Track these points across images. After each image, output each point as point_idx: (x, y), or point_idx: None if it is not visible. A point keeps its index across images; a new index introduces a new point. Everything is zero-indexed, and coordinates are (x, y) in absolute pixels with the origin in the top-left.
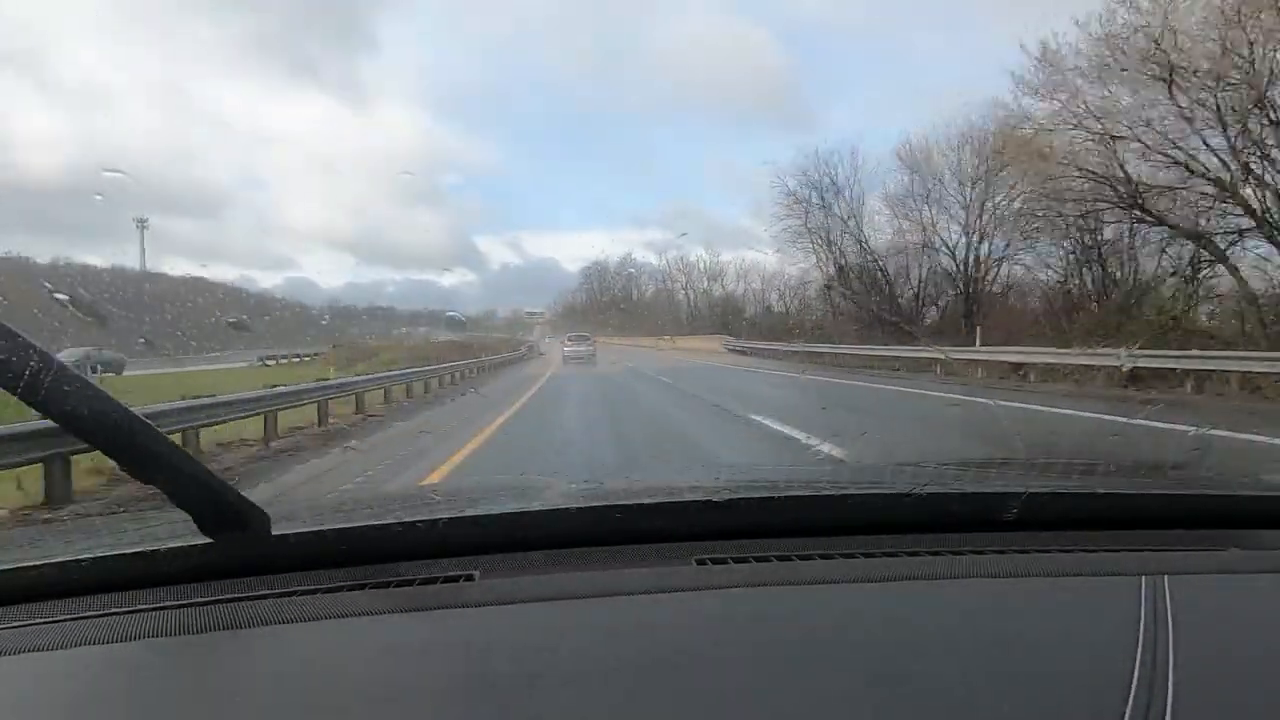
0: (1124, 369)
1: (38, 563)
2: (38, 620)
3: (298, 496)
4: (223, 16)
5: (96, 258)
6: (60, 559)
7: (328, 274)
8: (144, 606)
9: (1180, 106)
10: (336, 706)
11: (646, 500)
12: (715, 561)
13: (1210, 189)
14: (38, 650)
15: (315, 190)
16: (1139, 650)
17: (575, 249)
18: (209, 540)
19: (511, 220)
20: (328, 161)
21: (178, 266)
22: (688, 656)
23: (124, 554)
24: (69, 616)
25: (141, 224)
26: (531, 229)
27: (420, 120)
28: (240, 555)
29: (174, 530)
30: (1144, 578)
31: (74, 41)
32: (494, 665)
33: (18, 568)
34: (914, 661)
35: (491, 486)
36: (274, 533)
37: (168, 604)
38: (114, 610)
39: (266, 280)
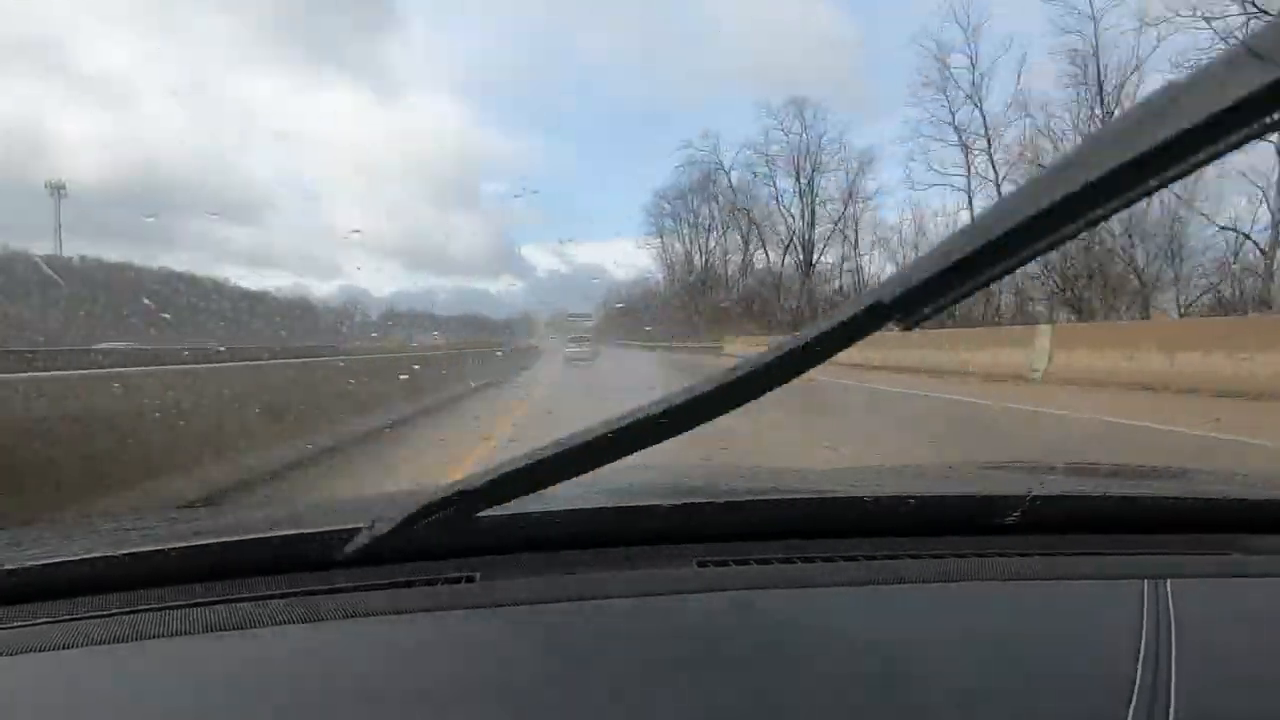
0: None
1: (41, 561)
2: (40, 620)
3: (295, 497)
4: (246, 4)
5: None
6: (63, 558)
7: (380, 282)
8: (146, 606)
9: None
10: (335, 708)
11: (647, 501)
12: (716, 564)
13: None
14: (37, 650)
15: (359, 196)
16: (1140, 654)
17: (622, 256)
18: (210, 541)
19: (557, 227)
20: (371, 169)
21: (234, 274)
22: (688, 659)
23: (126, 553)
24: (69, 617)
25: (57, 190)
26: (578, 236)
27: (461, 123)
28: (243, 556)
29: (174, 531)
30: (1146, 581)
31: (104, 40)
32: (494, 668)
33: (21, 567)
34: (916, 665)
35: None
36: (273, 534)
37: (170, 604)
38: (116, 610)
39: (320, 289)
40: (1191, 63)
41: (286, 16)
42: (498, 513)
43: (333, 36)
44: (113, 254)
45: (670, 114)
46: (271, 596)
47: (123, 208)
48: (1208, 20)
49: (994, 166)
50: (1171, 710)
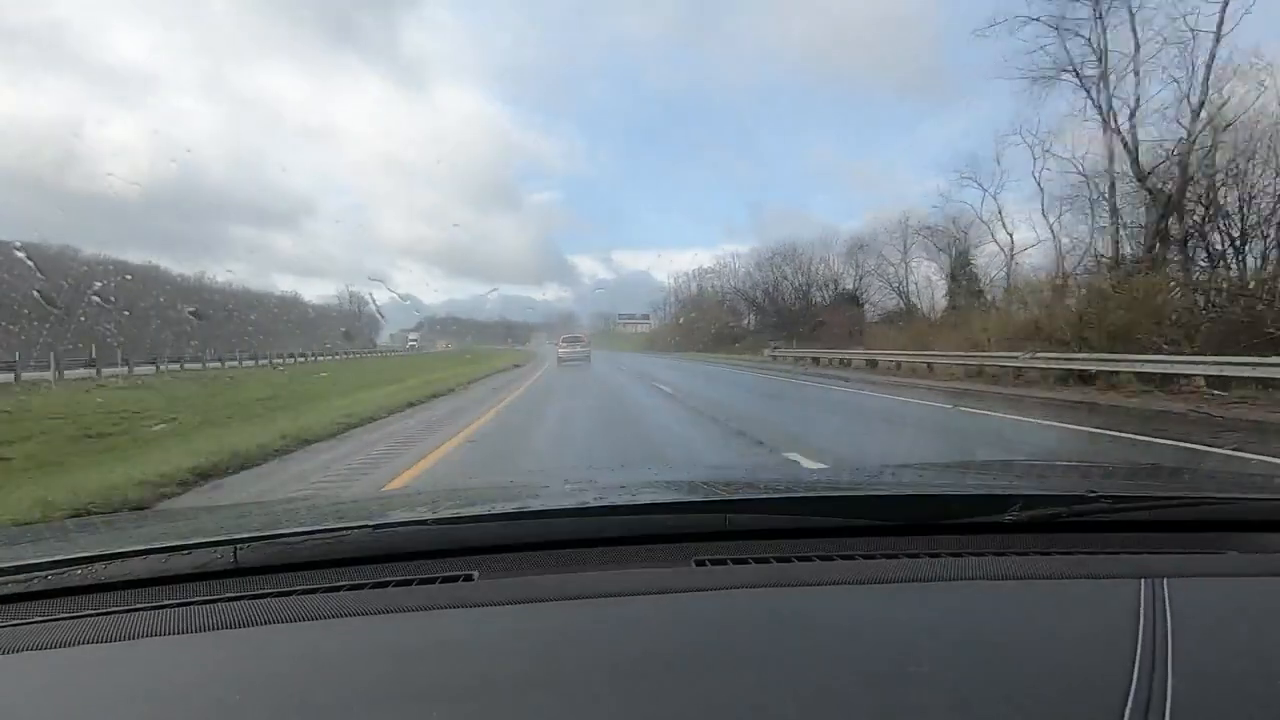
0: None
1: (39, 561)
2: (34, 619)
3: (296, 497)
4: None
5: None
6: (57, 557)
7: (426, 291)
8: (142, 605)
9: None
10: (336, 706)
11: (646, 501)
12: (714, 563)
13: None
14: (31, 649)
15: (406, 206)
16: (1138, 652)
17: (669, 264)
18: (209, 540)
19: (602, 235)
20: (416, 179)
21: (282, 283)
22: (687, 657)
23: (124, 553)
24: (66, 616)
25: None
26: (623, 245)
27: (501, 127)
28: (241, 556)
29: (176, 531)
30: (1143, 580)
31: (133, 40)
32: (493, 665)
33: (18, 566)
34: (913, 663)
35: (491, 486)
36: (274, 533)
37: (167, 603)
38: (112, 609)
39: (371, 297)
40: None
41: (318, 13)
42: (497, 512)
43: (369, 34)
44: (169, 264)
45: (714, 103)
46: (269, 595)
47: (165, 215)
48: None
49: None
50: (1168, 707)
